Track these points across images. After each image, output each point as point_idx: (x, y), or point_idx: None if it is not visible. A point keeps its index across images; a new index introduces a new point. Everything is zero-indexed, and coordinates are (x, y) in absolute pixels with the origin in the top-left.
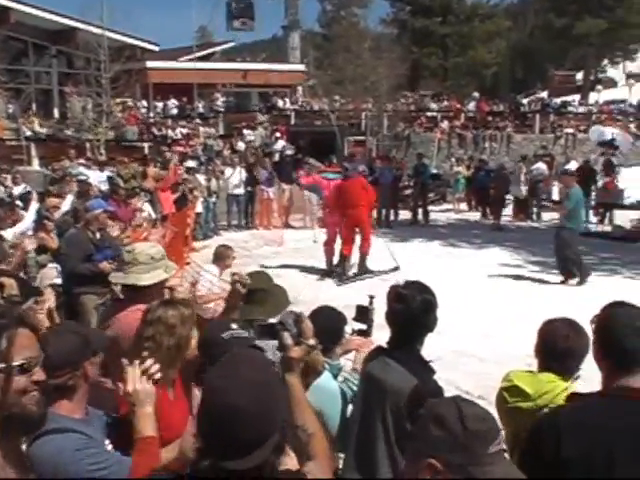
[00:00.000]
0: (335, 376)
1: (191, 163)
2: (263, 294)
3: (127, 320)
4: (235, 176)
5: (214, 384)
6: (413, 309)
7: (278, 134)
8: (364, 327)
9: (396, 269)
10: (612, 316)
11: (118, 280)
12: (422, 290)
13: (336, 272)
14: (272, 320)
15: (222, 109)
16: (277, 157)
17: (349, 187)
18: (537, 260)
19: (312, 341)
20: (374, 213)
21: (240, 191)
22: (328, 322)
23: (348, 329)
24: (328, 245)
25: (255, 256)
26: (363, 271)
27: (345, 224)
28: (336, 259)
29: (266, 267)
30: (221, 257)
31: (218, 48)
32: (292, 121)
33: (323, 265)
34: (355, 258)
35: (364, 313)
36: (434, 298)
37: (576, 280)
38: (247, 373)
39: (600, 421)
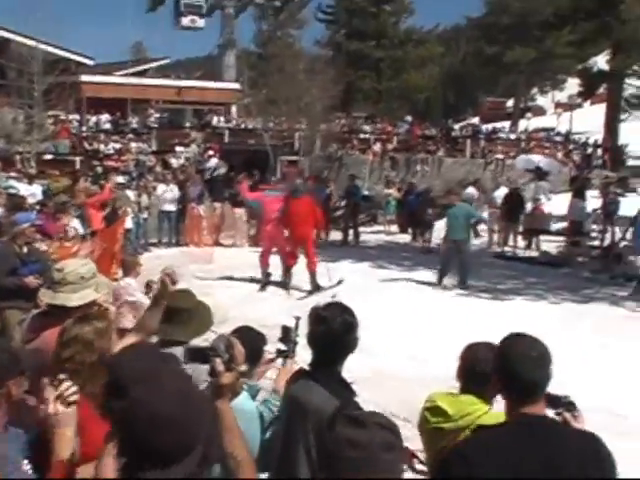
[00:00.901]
0: (253, 397)
1: (121, 179)
2: (187, 314)
3: (53, 337)
4: (168, 193)
5: (135, 393)
6: (333, 330)
7: (211, 152)
8: (285, 348)
9: (340, 282)
10: (510, 347)
11: (47, 299)
12: (342, 311)
13: (285, 284)
14: (202, 344)
15: (155, 125)
16: (209, 175)
17: (298, 205)
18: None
19: (243, 367)
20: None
21: (172, 207)
22: (247, 342)
23: (272, 349)
24: (263, 257)
25: (184, 274)
26: (316, 288)
27: (290, 240)
28: (271, 273)
29: (196, 284)
30: (131, 266)
31: (153, 64)
32: (226, 139)
33: (253, 284)
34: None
35: (287, 334)
36: (354, 319)
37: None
38: (169, 383)
39: (505, 446)
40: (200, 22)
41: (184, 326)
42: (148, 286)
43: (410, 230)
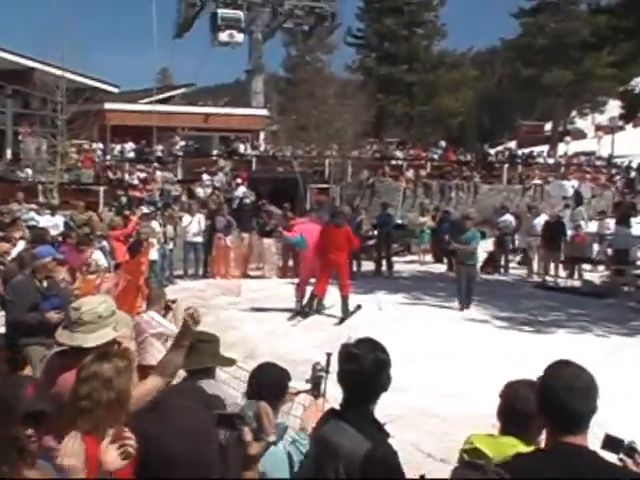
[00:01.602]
0: (281, 436)
1: (146, 209)
2: (204, 345)
3: (71, 380)
4: (194, 224)
5: (149, 431)
6: (365, 369)
7: (239, 180)
8: (311, 387)
9: (359, 308)
10: (555, 376)
11: (64, 340)
12: (374, 348)
13: (303, 311)
14: (231, 410)
15: (181, 153)
16: (236, 204)
17: (335, 234)
18: (504, 315)
19: (273, 437)
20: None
21: (198, 239)
22: (271, 379)
23: (299, 385)
24: (300, 286)
25: (212, 306)
26: (346, 314)
27: (322, 265)
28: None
29: (224, 317)
30: (156, 299)
31: (179, 91)
32: (253, 167)
33: (282, 317)
34: (331, 300)
35: (317, 372)
36: (387, 356)
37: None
38: (183, 421)
39: (538, 472)
40: (239, 37)
41: (203, 356)
42: (167, 308)
43: (445, 259)
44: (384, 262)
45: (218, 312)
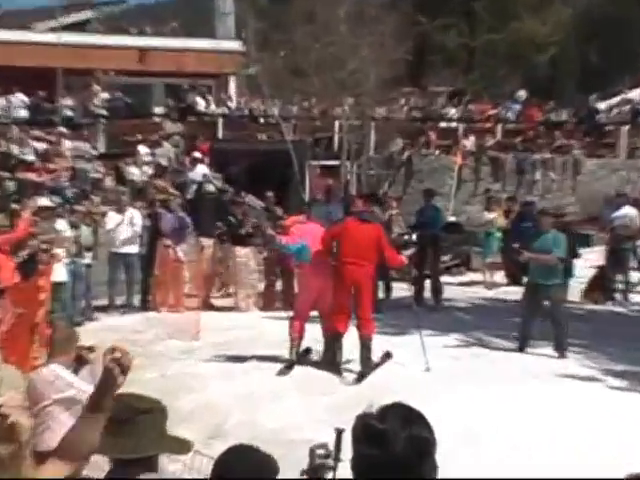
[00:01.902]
0: None
1: (47, 201)
2: (144, 418)
3: None
4: (124, 225)
5: None
6: (396, 454)
7: (197, 154)
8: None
9: (388, 356)
10: None
11: None
12: (409, 420)
13: (305, 361)
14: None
15: (104, 112)
16: (193, 192)
17: (359, 233)
18: (620, 370)
19: None
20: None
21: (132, 249)
22: (248, 472)
23: None
24: (297, 321)
25: (154, 355)
26: (368, 366)
27: (337, 284)
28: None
29: (175, 373)
30: (63, 345)
31: (98, 12)
32: (219, 134)
33: (266, 372)
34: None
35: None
36: (431, 433)
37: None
38: None
39: None
40: None
41: (130, 438)
42: (81, 359)
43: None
44: (428, 284)
45: (164, 365)
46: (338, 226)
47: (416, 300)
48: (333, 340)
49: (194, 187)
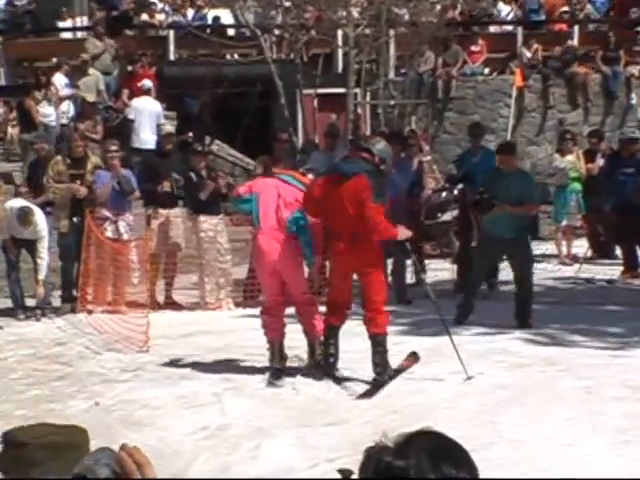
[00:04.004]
0: None
1: None
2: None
3: None
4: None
5: None
6: None
7: (145, 82)
8: None
9: (415, 357)
10: None
11: None
12: (439, 456)
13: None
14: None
15: None
16: (135, 137)
17: (344, 194)
18: None
19: None
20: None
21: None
22: None
23: None
24: (266, 314)
25: (83, 377)
26: (382, 374)
27: (333, 268)
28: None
29: (112, 400)
30: None
31: None
32: (171, 53)
33: (237, 399)
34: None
35: None
36: (472, 472)
37: None
38: None
39: None
40: None
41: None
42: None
43: (623, 249)
44: None
45: (99, 389)
46: (315, 184)
47: (457, 285)
48: (327, 336)
49: (140, 132)
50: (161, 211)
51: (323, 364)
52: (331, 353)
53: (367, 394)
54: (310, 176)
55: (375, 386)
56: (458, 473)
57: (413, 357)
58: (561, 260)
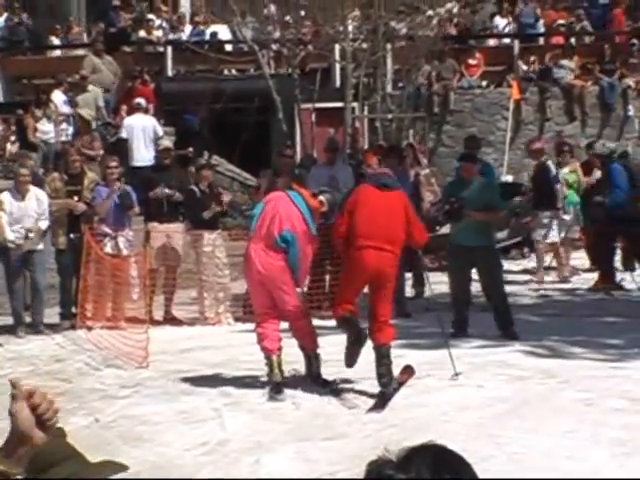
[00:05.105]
0: None
1: None
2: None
3: None
4: (29, 203)
5: None
6: None
7: (139, 100)
8: None
9: (411, 371)
10: None
11: None
12: (443, 469)
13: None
14: None
15: None
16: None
17: (382, 204)
18: None
19: None
20: None
21: (36, 244)
22: None
23: None
24: (260, 327)
25: (83, 394)
26: (387, 387)
27: (346, 275)
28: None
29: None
30: None
31: None
32: (168, 69)
33: (237, 414)
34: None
35: None
36: None
37: None
38: None
39: None
40: None
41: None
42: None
43: (627, 262)
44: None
45: (99, 406)
46: (351, 198)
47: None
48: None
49: (135, 150)
50: (159, 225)
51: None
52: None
53: (376, 407)
54: (322, 198)
55: (383, 399)
56: None
57: (409, 370)
58: (560, 272)
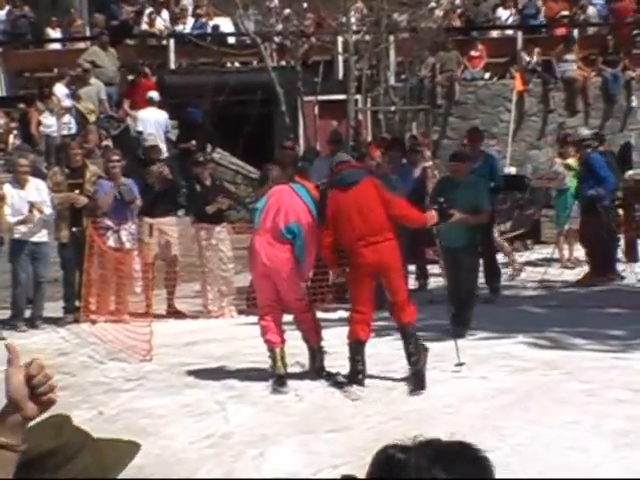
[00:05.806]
0: None
1: None
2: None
3: None
4: (29, 193)
5: None
6: None
7: (152, 94)
8: None
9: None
10: None
11: None
12: (445, 458)
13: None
14: None
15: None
16: (140, 151)
17: (357, 200)
18: None
19: None
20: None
21: (41, 237)
22: None
23: None
24: (263, 320)
25: (87, 386)
26: (421, 361)
27: (352, 275)
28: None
29: (115, 411)
30: None
31: None
32: (171, 62)
33: (241, 407)
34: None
35: None
36: (488, 471)
37: None
38: None
39: None
40: None
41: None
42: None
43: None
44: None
45: (102, 399)
46: (327, 210)
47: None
48: (353, 352)
49: (139, 141)
50: (151, 220)
51: (351, 378)
52: (359, 370)
53: (415, 388)
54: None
55: (418, 377)
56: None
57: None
58: (563, 264)
